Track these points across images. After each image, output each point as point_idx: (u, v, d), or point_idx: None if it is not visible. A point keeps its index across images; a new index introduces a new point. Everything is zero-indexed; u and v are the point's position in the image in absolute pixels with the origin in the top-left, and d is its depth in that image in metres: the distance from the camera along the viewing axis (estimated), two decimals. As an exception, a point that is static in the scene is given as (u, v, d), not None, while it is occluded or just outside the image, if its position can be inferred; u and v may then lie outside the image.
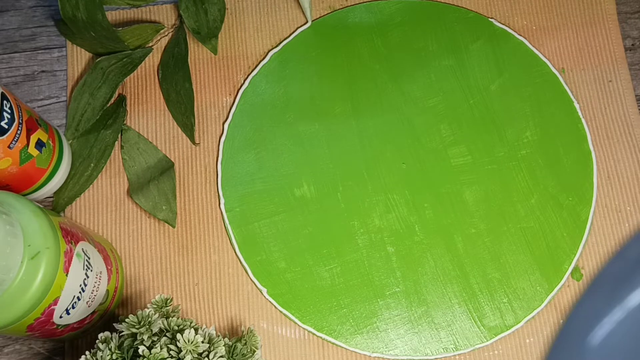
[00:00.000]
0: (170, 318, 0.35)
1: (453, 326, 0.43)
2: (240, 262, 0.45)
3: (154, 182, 0.45)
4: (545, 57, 0.49)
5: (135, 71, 0.48)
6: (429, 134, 0.47)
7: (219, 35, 0.49)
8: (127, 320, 0.34)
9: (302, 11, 0.49)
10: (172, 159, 0.47)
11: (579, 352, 0.16)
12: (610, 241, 0.45)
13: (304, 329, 0.43)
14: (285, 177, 0.46)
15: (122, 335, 0.35)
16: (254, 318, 0.44)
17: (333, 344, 0.43)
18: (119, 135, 0.47)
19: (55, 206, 0.45)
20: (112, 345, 0.34)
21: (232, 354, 0.36)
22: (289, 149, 0.47)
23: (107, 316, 0.42)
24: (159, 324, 0.35)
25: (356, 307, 0.44)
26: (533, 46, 0.49)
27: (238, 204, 0.46)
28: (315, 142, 0.47)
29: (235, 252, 0.45)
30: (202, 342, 0.34)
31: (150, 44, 0.49)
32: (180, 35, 0.49)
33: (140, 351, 0.33)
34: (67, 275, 0.35)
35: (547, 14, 0.50)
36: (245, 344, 0.38)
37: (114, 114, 0.47)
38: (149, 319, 0.34)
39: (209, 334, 0.35)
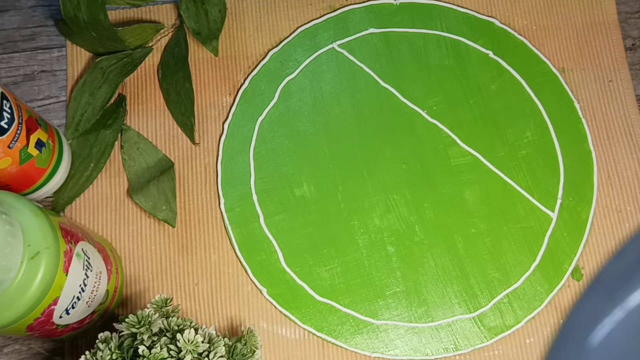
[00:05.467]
0: (170, 318, 0.35)
1: (453, 326, 0.43)
2: (240, 262, 0.45)
3: (154, 182, 0.45)
4: (546, 57, 0.49)
5: (135, 71, 0.48)
6: (429, 134, 0.47)
7: (219, 36, 0.49)
8: (127, 320, 0.34)
9: None
10: (172, 159, 0.47)
11: (579, 352, 0.16)
12: (610, 241, 0.45)
13: (304, 329, 0.43)
14: (285, 177, 0.46)
15: (122, 335, 0.35)
16: (254, 318, 0.44)
17: (333, 344, 0.43)
18: (119, 135, 0.47)
19: (55, 206, 0.45)
20: (112, 345, 0.34)
21: (232, 354, 0.36)
22: (288, 149, 0.47)
23: (107, 316, 0.42)
24: (159, 324, 0.35)
25: (356, 307, 0.44)
26: (533, 46, 0.49)
27: (238, 204, 0.46)
28: (315, 142, 0.47)
29: (235, 252, 0.45)
30: (202, 342, 0.34)
31: (150, 44, 0.49)
32: (181, 35, 0.49)
33: (140, 351, 0.33)
34: (66, 275, 0.35)
35: (547, 13, 0.50)
36: (245, 344, 0.38)
37: (114, 113, 0.47)
38: (149, 319, 0.34)
39: (209, 334, 0.35)
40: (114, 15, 0.50)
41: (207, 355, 0.34)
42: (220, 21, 0.49)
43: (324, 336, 0.43)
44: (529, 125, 0.47)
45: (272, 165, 0.47)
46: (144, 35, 0.49)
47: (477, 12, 0.50)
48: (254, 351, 0.38)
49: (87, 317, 0.39)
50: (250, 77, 0.48)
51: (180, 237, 0.45)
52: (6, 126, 0.38)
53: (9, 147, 0.39)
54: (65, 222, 0.37)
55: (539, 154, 0.47)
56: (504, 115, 0.47)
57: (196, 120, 0.47)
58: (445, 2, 0.50)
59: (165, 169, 0.46)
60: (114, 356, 0.33)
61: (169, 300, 0.37)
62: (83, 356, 0.34)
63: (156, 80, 0.48)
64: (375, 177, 0.46)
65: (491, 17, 0.50)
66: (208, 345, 0.34)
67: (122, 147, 0.47)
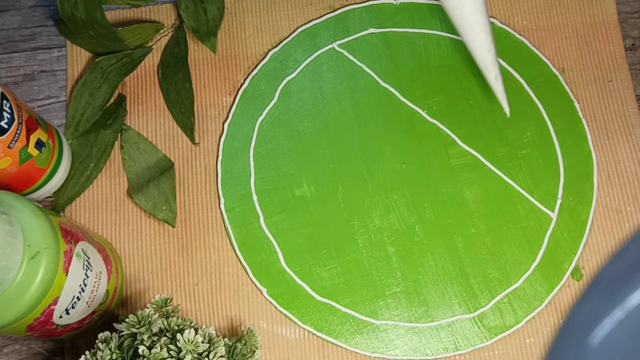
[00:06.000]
0: (170, 318, 0.35)
1: (453, 326, 0.43)
2: (240, 262, 0.45)
3: (154, 182, 0.45)
4: (546, 57, 0.49)
5: (135, 71, 0.48)
6: (429, 134, 0.47)
7: (219, 35, 0.49)
8: (127, 320, 0.34)
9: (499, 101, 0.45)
10: (172, 159, 0.47)
11: (579, 352, 0.16)
12: (610, 241, 0.45)
13: (304, 329, 0.43)
14: (285, 177, 0.46)
15: (122, 335, 0.35)
16: (254, 318, 0.44)
17: (333, 344, 0.43)
18: (119, 135, 0.47)
19: (55, 206, 0.45)
20: (112, 345, 0.34)
21: (232, 354, 0.36)
22: (288, 149, 0.47)
23: (107, 316, 0.42)
24: (159, 324, 0.35)
25: (356, 307, 0.44)
26: (533, 46, 0.49)
27: (238, 204, 0.46)
28: (316, 142, 0.47)
29: (235, 252, 0.45)
30: (202, 342, 0.34)
31: (150, 44, 0.49)
32: (180, 35, 0.49)
33: (140, 351, 0.33)
34: (66, 275, 0.35)
35: (547, 13, 0.50)
36: (245, 344, 0.38)
37: (113, 113, 0.47)
38: (149, 319, 0.34)
39: (209, 334, 0.35)
40: (113, 15, 0.50)
41: (207, 355, 0.34)
42: (218, 19, 0.49)
43: (324, 336, 0.43)
44: (529, 125, 0.47)
45: (272, 165, 0.47)
46: (144, 35, 0.49)
47: (477, 12, 0.50)
48: (254, 351, 0.38)
49: (87, 317, 0.39)
50: (250, 77, 0.48)
51: (180, 237, 0.45)
52: (6, 126, 0.38)
53: (9, 147, 0.39)
54: (65, 222, 0.37)
55: (539, 154, 0.47)
56: (504, 115, 0.47)
57: (196, 120, 0.47)
58: (445, 2, 0.50)
59: (165, 169, 0.46)
60: (114, 356, 0.33)
61: (169, 300, 0.37)
62: (83, 356, 0.34)
63: (156, 80, 0.48)
64: (375, 177, 0.46)
65: (491, 17, 0.50)
66: (208, 345, 0.34)
67: (122, 147, 0.47)
